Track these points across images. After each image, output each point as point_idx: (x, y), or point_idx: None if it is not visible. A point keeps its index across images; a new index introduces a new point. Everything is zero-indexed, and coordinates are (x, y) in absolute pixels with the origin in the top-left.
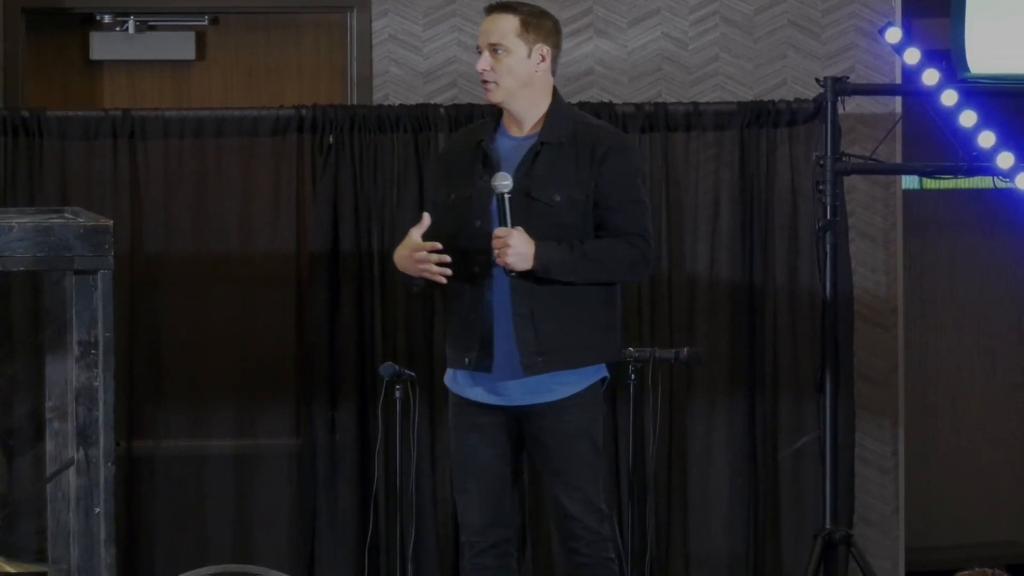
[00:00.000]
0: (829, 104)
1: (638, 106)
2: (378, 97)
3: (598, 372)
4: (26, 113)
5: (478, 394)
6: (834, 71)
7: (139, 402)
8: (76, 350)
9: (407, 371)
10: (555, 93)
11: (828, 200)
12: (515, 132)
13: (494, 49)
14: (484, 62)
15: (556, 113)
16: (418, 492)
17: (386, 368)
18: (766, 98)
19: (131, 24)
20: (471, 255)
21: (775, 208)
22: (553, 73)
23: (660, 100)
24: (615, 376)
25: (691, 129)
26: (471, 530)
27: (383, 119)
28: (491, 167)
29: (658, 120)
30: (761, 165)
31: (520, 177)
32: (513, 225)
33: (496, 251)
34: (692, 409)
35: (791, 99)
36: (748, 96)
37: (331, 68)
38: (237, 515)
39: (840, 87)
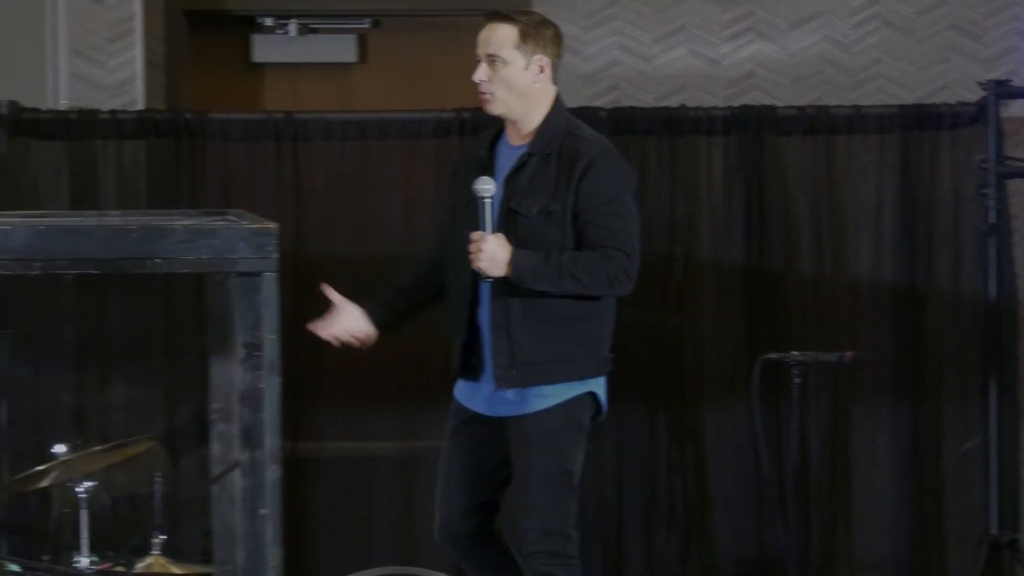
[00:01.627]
0: (992, 107)
1: (800, 109)
2: None
3: (575, 389)
4: (189, 115)
5: (469, 400)
6: (996, 74)
7: (303, 404)
8: (240, 352)
9: None
10: (556, 102)
11: (991, 204)
12: (514, 141)
13: (491, 60)
14: (481, 73)
15: (550, 124)
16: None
17: None
18: (928, 101)
19: (292, 27)
20: (463, 265)
21: (938, 212)
22: (554, 82)
23: (821, 103)
24: (778, 379)
25: (853, 132)
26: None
27: None
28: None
29: (820, 123)
30: (923, 169)
31: (505, 187)
32: (495, 232)
33: (471, 255)
34: (855, 413)
35: (953, 102)
36: (910, 99)
37: None
38: (402, 517)
39: (1003, 90)
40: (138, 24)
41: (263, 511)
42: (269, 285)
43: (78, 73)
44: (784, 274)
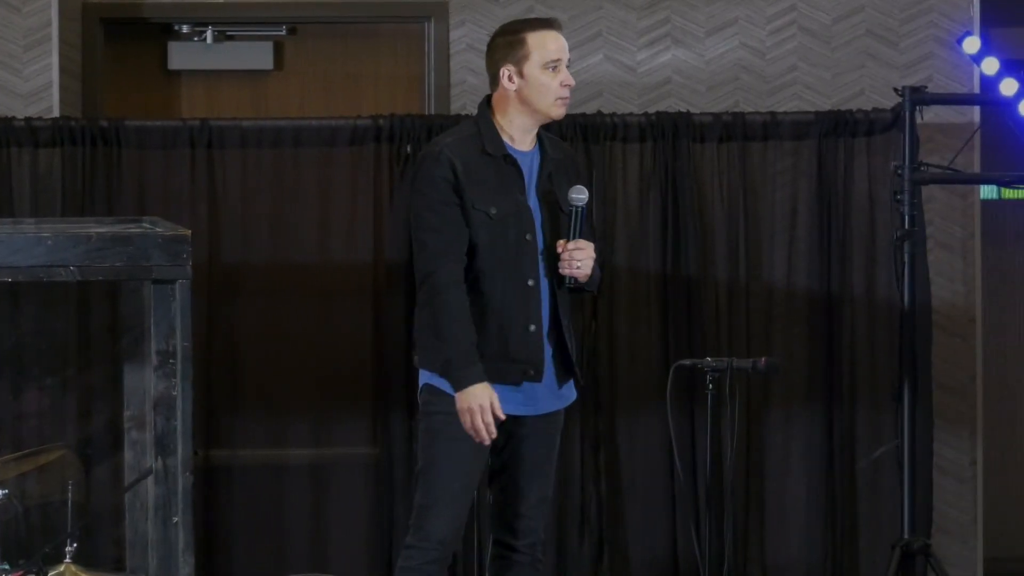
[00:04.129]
0: (907, 114)
1: (716, 116)
2: (456, 107)
3: None
4: (104, 123)
5: (507, 406)
6: (912, 81)
7: (217, 411)
8: (154, 359)
9: None
10: None
11: (906, 210)
12: (522, 147)
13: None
14: (571, 78)
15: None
16: None
17: None
18: (844, 107)
19: (209, 34)
20: (523, 268)
21: (853, 218)
22: None
23: (738, 110)
24: (693, 386)
25: (768, 139)
26: (436, 539)
27: None
28: (523, 182)
29: (735, 130)
30: (839, 175)
31: (543, 191)
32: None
33: (576, 262)
34: (769, 419)
35: (869, 109)
36: (826, 106)
37: (409, 78)
38: (315, 525)
39: (918, 97)
40: (54, 31)
41: (176, 518)
42: (183, 292)
43: None
44: (699, 280)
